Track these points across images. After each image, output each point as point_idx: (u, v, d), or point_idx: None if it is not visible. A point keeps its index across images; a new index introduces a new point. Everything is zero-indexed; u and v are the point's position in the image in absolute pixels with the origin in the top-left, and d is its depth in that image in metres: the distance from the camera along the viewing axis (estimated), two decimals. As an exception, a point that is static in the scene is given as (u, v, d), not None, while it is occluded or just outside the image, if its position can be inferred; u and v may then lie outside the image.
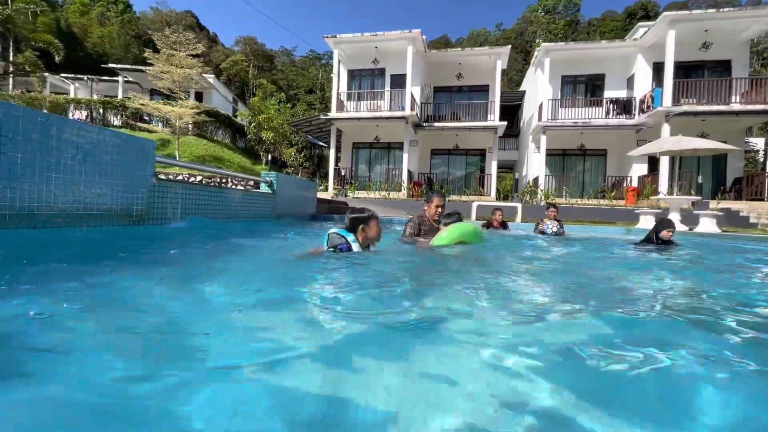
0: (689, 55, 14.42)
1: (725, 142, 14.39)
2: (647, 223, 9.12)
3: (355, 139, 17.96)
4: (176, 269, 2.18)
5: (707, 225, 8.17)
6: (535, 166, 16.31)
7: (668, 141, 8.74)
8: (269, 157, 17.20)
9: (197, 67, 13.03)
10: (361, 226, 2.41)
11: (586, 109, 16.00)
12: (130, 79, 18.34)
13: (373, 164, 18.13)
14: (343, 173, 16.34)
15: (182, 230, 3.90)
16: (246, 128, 18.57)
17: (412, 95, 15.70)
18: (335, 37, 15.83)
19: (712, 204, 11.51)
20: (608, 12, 70.33)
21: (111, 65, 18.30)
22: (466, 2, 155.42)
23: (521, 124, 21.96)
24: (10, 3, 13.93)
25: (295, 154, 20.40)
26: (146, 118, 17.22)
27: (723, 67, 14.49)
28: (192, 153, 14.98)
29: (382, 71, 17.38)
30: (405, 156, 15.54)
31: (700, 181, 11.25)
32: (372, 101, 16.92)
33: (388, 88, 16.92)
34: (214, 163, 15.06)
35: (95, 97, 17.55)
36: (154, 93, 18.28)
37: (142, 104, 12.66)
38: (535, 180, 15.93)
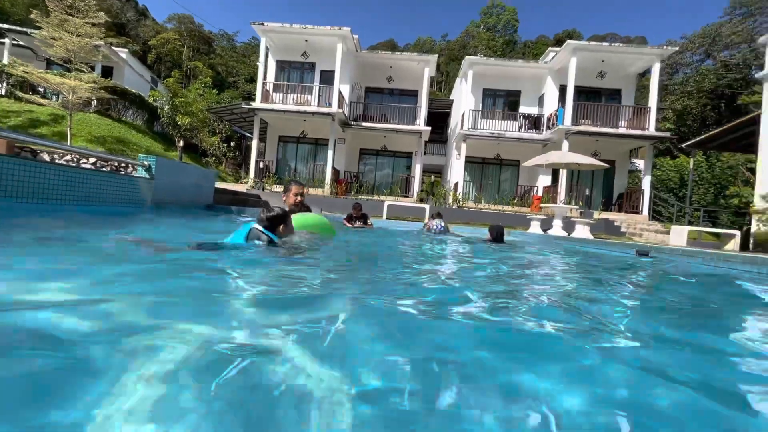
0: (588, 82, 16.12)
1: (614, 161, 16.33)
2: (536, 227, 10.01)
3: (282, 132, 17.50)
4: None
5: (581, 231, 9.14)
6: (455, 171, 17.14)
7: (552, 155, 9.68)
8: (181, 143, 16.06)
9: (97, 37, 11.77)
10: (283, 223, 2.58)
11: (503, 121, 17.20)
12: (21, 43, 16.09)
13: (299, 159, 17.80)
14: (262, 166, 15.80)
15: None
16: (159, 111, 17.18)
17: (340, 92, 15.68)
18: (263, 24, 15.28)
19: (596, 214, 12.94)
20: (541, 36, 76.21)
21: (-3, 24, 15.88)
22: (416, 10, 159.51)
23: (449, 131, 22.97)
24: None
25: (219, 143, 19.34)
26: (40, 89, 15.24)
27: (615, 95, 16.42)
28: (90, 132, 13.48)
29: (312, 65, 17.14)
30: (330, 153, 15.46)
31: (587, 194, 12.65)
32: (301, 95, 16.60)
33: (317, 83, 16.72)
34: (117, 146, 13.73)
35: (-26, 59, 15.05)
36: (52, 63, 16.27)
37: (26, 72, 11.13)
38: (456, 185, 16.74)
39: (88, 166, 10.26)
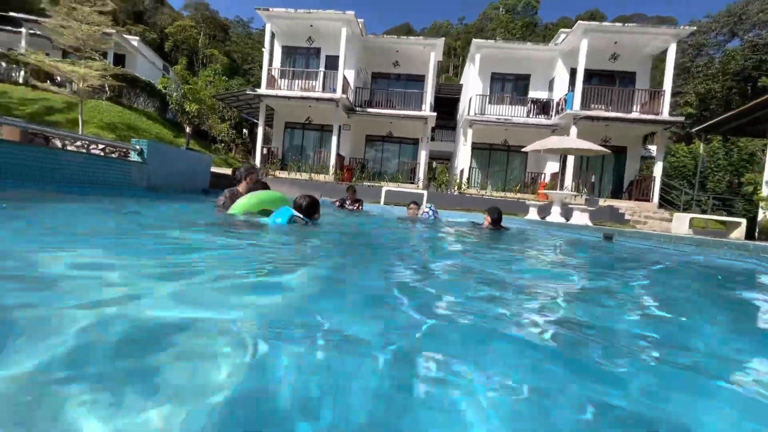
0: (601, 64, 15.55)
1: (625, 147, 15.84)
2: (533, 213, 9.90)
3: (288, 118, 17.62)
4: None
5: (579, 218, 8.99)
6: (462, 158, 16.96)
7: (551, 140, 9.48)
8: (189, 130, 16.40)
9: (105, 25, 12.05)
10: (316, 211, 3.37)
11: (512, 106, 16.81)
12: (38, 32, 16.58)
13: (305, 145, 17.93)
14: (265, 152, 16.01)
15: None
16: (168, 98, 17.54)
17: (345, 78, 15.62)
18: (267, 10, 15.28)
19: (602, 202, 12.66)
20: (563, 18, 73.34)
21: (12, 14, 16.39)
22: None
23: (458, 117, 22.63)
24: None
25: (228, 130, 19.65)
26: (57, 78, 15.75)
27: (629, 78, 15.79)
28: (101, 119, 13.93)
29: (317, 51, 17.10)
30: (334, 139, 15.50)
31: (593, 180, 12.35)
32: (306, 81, 16.62)
33: (322, 68, 16.70)
34: (127, 132, 14.14)
35: (-4, 48, 15.68)
36: (68, 52, 16.72)
37: (39, 61, 11.53)
38: (461, 172, 16.59)
39: (97, 151, 10.65)
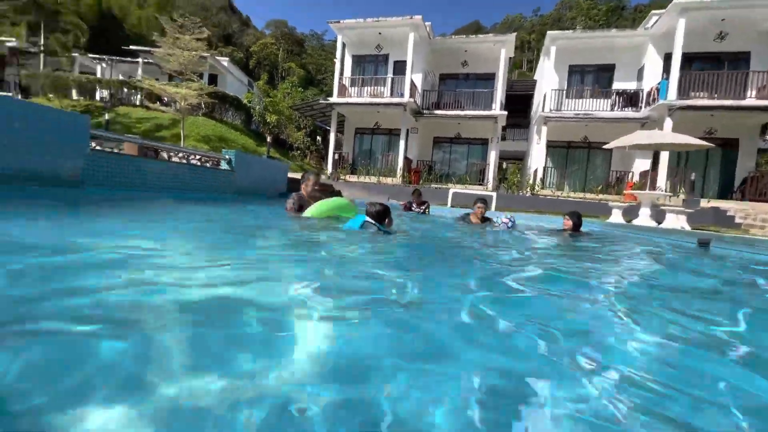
0: (704, 46, 13.63)
1: (737, 139, 13.70)
2: (617, 216, 9.05)
3: (358, 124, 18.28)
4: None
5: (673, 221, 8.01)
6: (536, 157, 16.08)
7: (640, 135, 8.54)
8: (269, 139, 17.86)
9: (201, 50, 13.71)
10: (387, 218, 3.36)
11: (592, 100, 15.50)
12: (150, 60, 19.43)
13: (374, 149, 18.43)
14: (336, 157, 16.79)
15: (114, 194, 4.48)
16: (252, 111, 19.28)
17: (412, 82, 15.77)
18: (339, 22, 16.07)
19: (704, 203, 11.08)
20: (655, -3, 65.57)
21: (132, 47, 19.51)
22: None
23: (531, 114, 21.46)
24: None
25: (303, 138, 20.99)
26: (165, 99, 18.32)
27: (741, 59, 13.60)
28: (199, 133, 15.87)
29: (385, 57, 17.50)
30: (402, 142, 15.72)
31: (692, 179, 10.80)
32: (375, 87, 17.12)
33: (390, 74, 17.04)
34: (219, 143, 15.89)
35: (119, 77, 18.81)
36: (173, 76, 19.24)
37: (151, 85, 13.55)
38: (535, 172, 15.74)
39: (195, 161, 12.10)
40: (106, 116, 14.87)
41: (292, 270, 1.84)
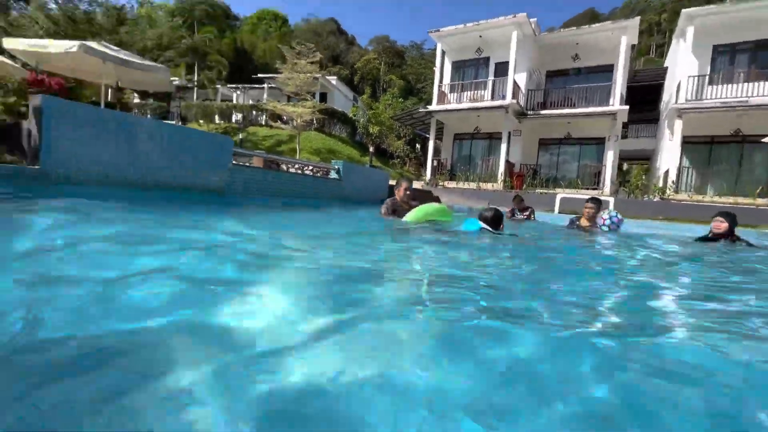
0: None
1: None
2: (786, 227, 7.30)
3: (457, 130, 18.14)
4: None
5: None
6: (666, 156, 13.86)
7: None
8: (372, 149, 18.87)
9: (314, 72, 15.29)
10: (501, 222, 3.58)
11: (748, 84, 12.75)
12: (273, 85, 22.37)
13: (473, 155, 18.05)
14: (435, 164, 16.87)
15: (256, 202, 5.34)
16: (357, 123, 20.66)
17: (515, 83, 15.07)
18: (438, 31, 16.25)
19: None
20: None
21: (259, 75, 22.79)
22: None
23: (661, 107, 18.53)
24: (195, 32, 18.73)
25: (403, 146, 21.67)
26: (284, 118, 20.91)
27: None
28: (311, 146, 17.66)
29: (486, 60, 17.06)
30: (503, 146, 15.09)
31: None
32: (475, 92, 16.82)
33: (491, 77, 16.55)
34: (328, 155, 17.44)
35: (249, 102, 22.13)
36: (291, 96, 21.72)
37: (273, 106, 15.61)
38: (666, 173, 13.57)
39: (308, 171, 13.47)
40: (240, 135, 17.68)
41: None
